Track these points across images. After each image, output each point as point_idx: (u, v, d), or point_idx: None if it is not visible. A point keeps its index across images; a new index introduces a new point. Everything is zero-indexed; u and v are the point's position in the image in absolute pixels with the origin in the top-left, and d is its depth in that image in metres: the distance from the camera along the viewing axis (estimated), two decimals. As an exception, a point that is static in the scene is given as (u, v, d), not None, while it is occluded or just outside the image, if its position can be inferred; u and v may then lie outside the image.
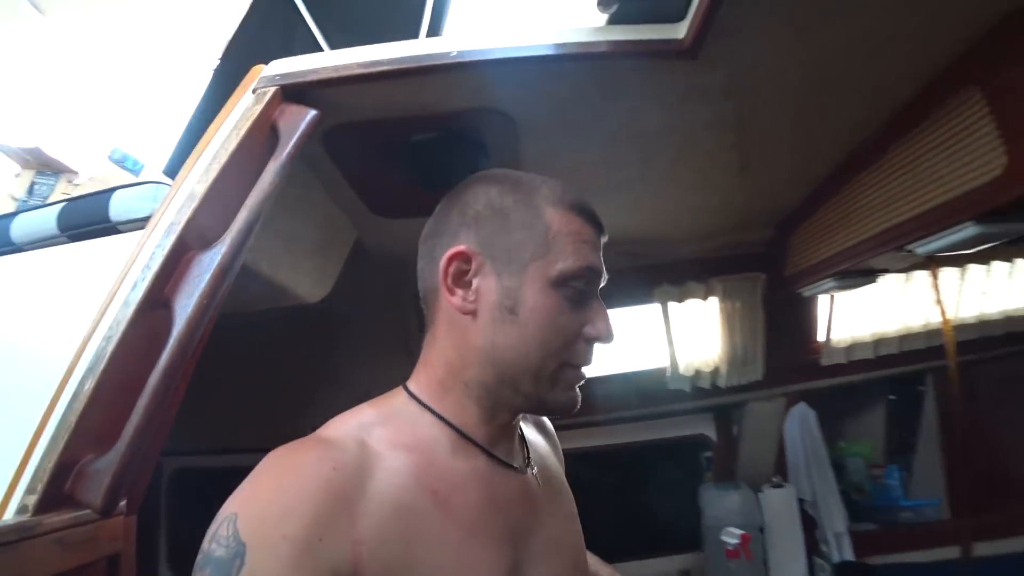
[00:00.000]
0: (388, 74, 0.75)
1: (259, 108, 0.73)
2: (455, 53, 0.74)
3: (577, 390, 0.58)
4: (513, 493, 0.60)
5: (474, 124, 0.93)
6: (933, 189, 1.01)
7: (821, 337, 2.00)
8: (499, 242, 0.56)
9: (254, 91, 0.76)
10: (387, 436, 0.53)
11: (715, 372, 1.93)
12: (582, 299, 0.56)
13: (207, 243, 0.66)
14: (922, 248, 1.06)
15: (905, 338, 1.90)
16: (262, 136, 0.73)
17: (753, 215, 1.58)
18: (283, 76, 0.76)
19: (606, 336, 0.57)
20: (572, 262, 0.55)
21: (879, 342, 1.90)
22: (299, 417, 1.59)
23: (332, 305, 1.23)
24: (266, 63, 0.79)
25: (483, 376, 0.56)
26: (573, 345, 0.56)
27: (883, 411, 2.21)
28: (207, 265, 0.64)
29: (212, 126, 0.75)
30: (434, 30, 1.77)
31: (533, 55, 0.76)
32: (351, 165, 1.02)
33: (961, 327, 1.88)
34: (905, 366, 1.98)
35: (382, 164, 1.01)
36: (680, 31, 0.77)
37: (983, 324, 1.91)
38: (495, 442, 0.59)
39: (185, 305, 0.62)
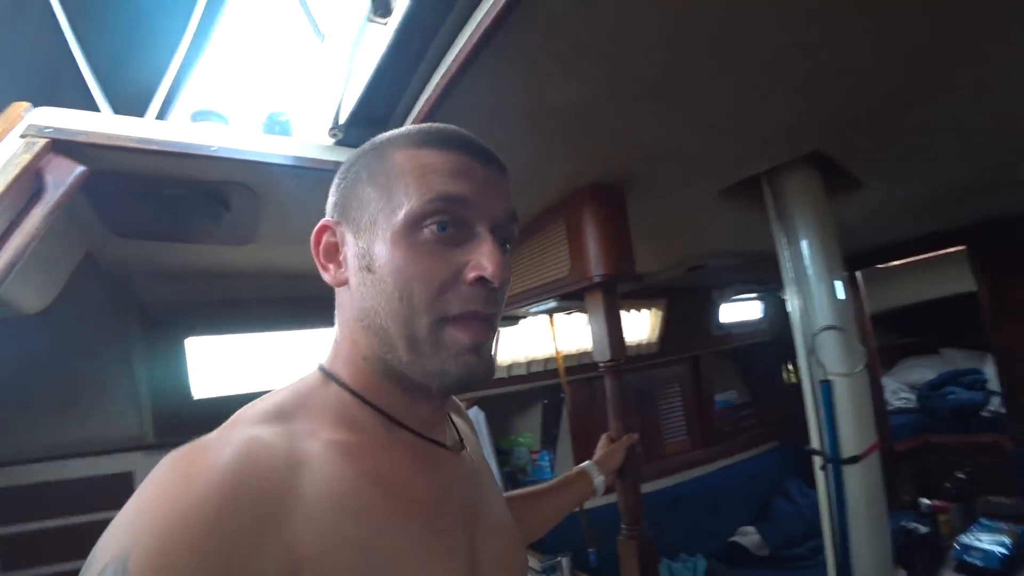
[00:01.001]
0: (156, 152, 0.90)
1: (27, 157, 0.80)
2: (216, 148, 0.93)
3: (474, 358, 0.46)
4: (458, 473, 0.54)
5: (222, 190, 1.05)
6: (540, 274, 1.46)
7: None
8: (351, 203, 0.50)
9: (23, 136, 0.83)
10: (312, 423, 0.45)
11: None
12: (455, 239, 0.47)
13: (-38, 276, 0.73)
14: (533, 309, 1.60)
15: (548, 360, 2.51)
16: (28, 181, 0.81)
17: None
18: (55, 130, 0.84)
19: (489, 270, 0.45)
20: (416, 199, 0.46)
21: (530, 363, 2.45)
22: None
23: (51, 314, 1.19)
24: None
25: (369, 349, 0.49)
26: (448, 293, 0.46)
27: (539, 412, 2.79)
28: (-35, 297, 0.71)
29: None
30: (202, 30, 1.82)
31: (276, 163, 0.97)
32: (99, 198, 1.05)
33: (586, 352, 2.61)
34: (549, 380, 2.57)
35: (130, 202, 1.06)
36: (386, 159, 1.13)
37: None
38: (426, 423, 0.52)
39: (-59, 336, 0.69)
